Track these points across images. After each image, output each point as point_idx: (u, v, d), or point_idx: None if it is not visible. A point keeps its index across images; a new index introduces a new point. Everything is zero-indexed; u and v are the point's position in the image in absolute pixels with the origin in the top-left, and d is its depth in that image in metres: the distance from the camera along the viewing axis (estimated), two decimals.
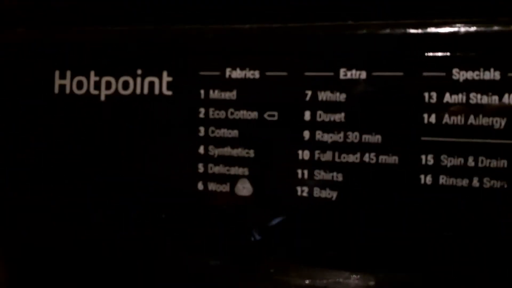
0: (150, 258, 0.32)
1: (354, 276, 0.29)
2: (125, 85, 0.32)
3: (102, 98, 0.33)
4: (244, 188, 0.30)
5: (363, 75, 0.28)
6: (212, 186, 0.30)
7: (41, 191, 0.34)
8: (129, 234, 0.32)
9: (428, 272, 0.28)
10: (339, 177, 0.28)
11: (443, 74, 0.27)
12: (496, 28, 0.27)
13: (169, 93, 0.31)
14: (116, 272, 0.33)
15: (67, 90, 0.33)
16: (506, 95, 0.26)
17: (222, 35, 0.31)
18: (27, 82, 0.34)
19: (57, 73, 0.34)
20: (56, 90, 0.34)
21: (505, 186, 0.26)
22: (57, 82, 0.34)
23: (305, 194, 0.29)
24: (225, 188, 0.30)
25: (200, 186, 0.30)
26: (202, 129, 0.30)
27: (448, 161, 0.27)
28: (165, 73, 0.31)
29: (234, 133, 0.30)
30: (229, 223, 0.30)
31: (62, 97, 0.33)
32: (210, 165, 0.30)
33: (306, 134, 0.29)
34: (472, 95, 0.27)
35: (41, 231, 0.34)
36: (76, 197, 0.33)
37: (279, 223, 0.30)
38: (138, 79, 0.32)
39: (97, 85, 0.33)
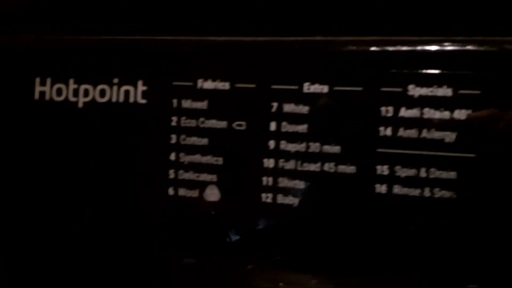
0: (123, 260, 0.33)
1: (314, 279, 0.31)
2: (102, 93, 0.34)
3: (80, 105, 0.34)
4: (213, 194, 0.31)
5: (325, 89, 0.30)
6: (182, 192, 0.32)
7: (15, 195, 0.35)
8: (102, 238, 0.34)
9: (384, 276, 0.30)
10: (301, 185, 0.30)
11: (400, 89, 0.29)
12: (450, 47, 0.29)
13: (144, 101, 0.33)
14: (89, 274, 0.34)
15: (47, 97, 0.35)
16: (457, 111, 0.28)
17: (195, 47, 0.32)
18: (8, 87, 0.36)
19: (37, 80, 0.35)
20: (36, 96, 0.35)
21: (455, 196, 0.28)
22: (38, 88, 0.35)
23: (269, 200, 0.30)
24: (195, 193, 0.31)
25: (170, 191, 0.32)
26: (174, 136, 0.32)
27: (402, 172, 0.29)
28: (140, 83, 0.33)
29: (204, 141, 0.31)
30: (198, 228, 0.32)
31: (42, 103, 0.35)
32: (180, 171, 0.32)
33: (271, 143, 0.30)
34: (425, 110, 0.28)
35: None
36: (51, 201, 0.34)
37: (245, 228, 0.31)
38: (115, 88, 0.33)
39: (76, 93, 0.34)
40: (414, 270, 0.29)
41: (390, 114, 0.29)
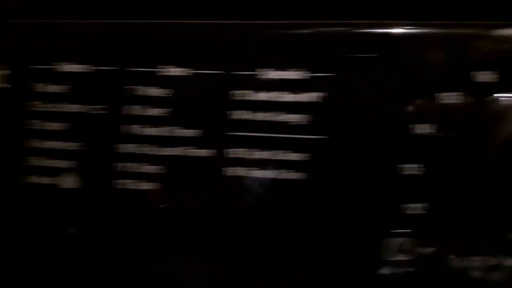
0: None
1: (170, 262, 0.30)
2: None
3: None
4: (69, 181, 0.30)
5: (181, 72, 0.29)
6: (36, 179, 0.31)
7: None
8: None
9: (239, 258, 0.29)
10: (158, 169, 0.29)
11: (253, 73, 0.28)
12: (298, 31, 0.28)
13: (7, 85, 0.32)
14: None
15: None
16: (307, 94, 0.28)
17: (53, 30, 0.31)
18: None
19: None
20: None
21: (305, 178, 0.28)
22: None
23: (127, 186, 0.30)
24: (50, 180, 0.30)
25: (25, 179, 0.31)
26: (29, 121, 0.31)
27: (256, 154, 0.28)
28: (3, 66, 0.32)
29: (61, 126, 0.30)
30: (53, 216, 0.31)
31: None
32: (36, 157, 0.31)
33: (128, 128, 0.30)
34: (275, 93, 0.28)
35: None
36: None
37: (101, 214, 0.30)
38: None
39: None
40: (268, 252, 0.29)
41: (240, 98, 0.28)
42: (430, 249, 0.28)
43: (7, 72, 0.32)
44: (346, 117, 0.28)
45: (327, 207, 0.28)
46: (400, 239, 0.28)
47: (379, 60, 0.27)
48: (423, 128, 0.27)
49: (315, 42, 0.28)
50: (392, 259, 0.28)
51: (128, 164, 0.30)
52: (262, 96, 0.28)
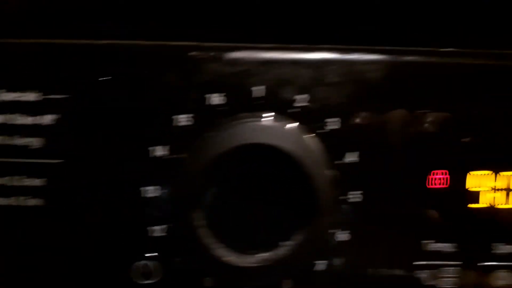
0: None
1: None
2: None
3: None
4: None
5: None
6: None
7: None
8: None
9: None
10: None
11: None
12: (31, 51, 0.27)
13: None
14: None
15: None
16: (43, 116, 0.27)
17: None
18: None
19: None
20: None
21: (45, 203, 0.27)
22: None
23: None
24: None
25: None
26: None
27: None
28: None
29: None
30: None
31: None
32: None
33: None
34: (10, 116, 0.27)
35: None
36: None
37: None
38: None
39: None
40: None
41: None
42: (175, 271, 0.28)
43: None
44: (82, 140, 0.27)
45: (65, 233, 0.27)
46: (143, 262, 0.28)
47: (115, 82, 0.27)
48: (160, 150, 0.27)
49: (49, 63, 0.27)
50: (141, 282, 0.28)
51: None
52: None
